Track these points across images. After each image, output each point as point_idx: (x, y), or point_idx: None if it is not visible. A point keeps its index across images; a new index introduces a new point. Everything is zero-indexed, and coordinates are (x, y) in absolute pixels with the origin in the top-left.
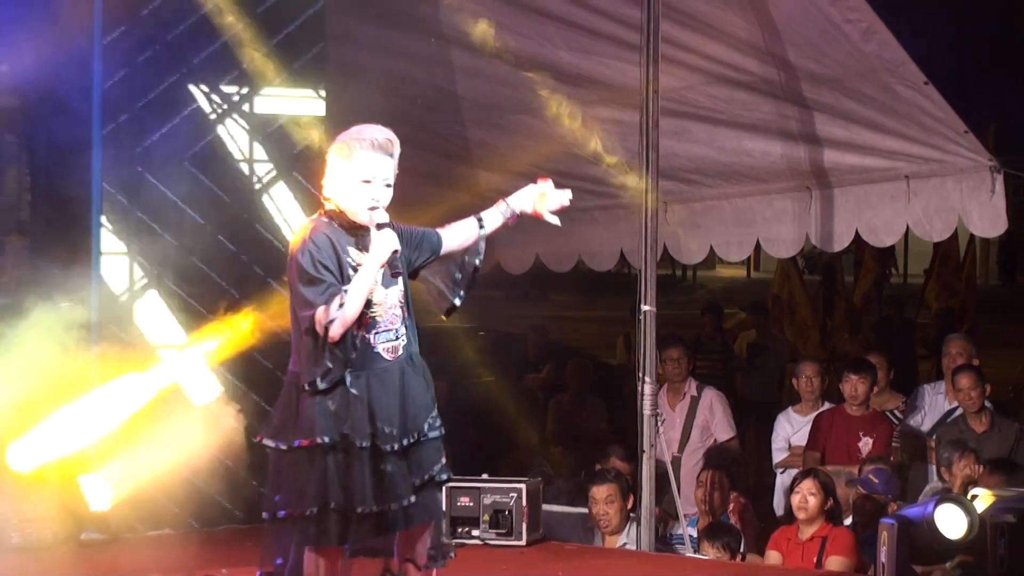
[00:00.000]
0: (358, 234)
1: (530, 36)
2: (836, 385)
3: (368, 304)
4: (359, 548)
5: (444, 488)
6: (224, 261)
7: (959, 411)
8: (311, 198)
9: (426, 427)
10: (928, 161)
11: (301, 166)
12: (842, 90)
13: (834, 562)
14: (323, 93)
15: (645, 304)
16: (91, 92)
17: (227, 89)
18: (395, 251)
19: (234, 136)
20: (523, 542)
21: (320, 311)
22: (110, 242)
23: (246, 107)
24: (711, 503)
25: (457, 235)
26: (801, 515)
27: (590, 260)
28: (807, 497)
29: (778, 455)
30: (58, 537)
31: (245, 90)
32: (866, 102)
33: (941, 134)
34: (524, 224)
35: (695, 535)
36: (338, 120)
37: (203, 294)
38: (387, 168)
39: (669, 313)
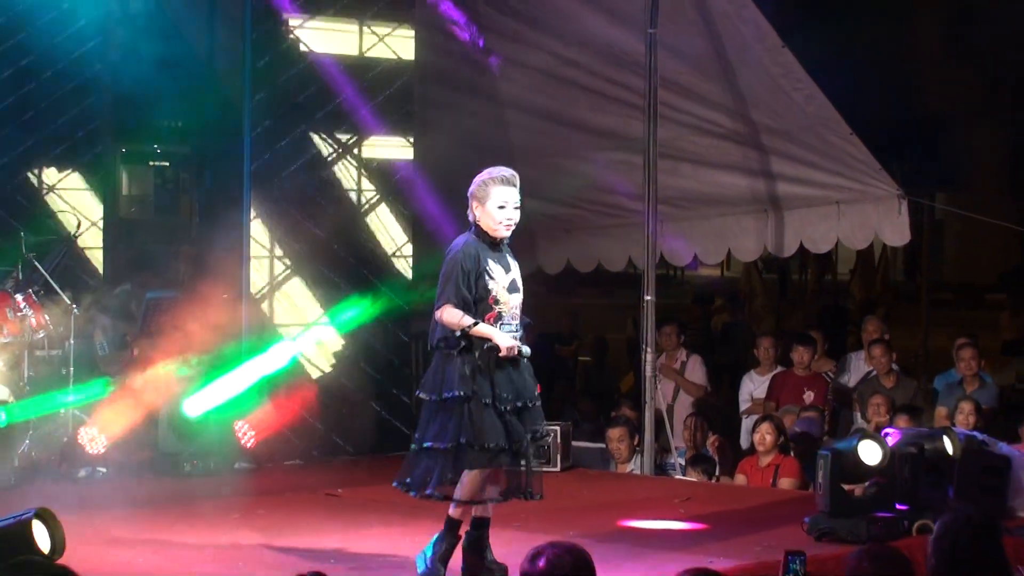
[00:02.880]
0: (497, 247)
1: (563, 99)
2: (787, 353)
3: (496, 302)
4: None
5: None
6: (338, 263)
7: (874, 372)
8: (401, 217)
9: (532, 396)
10: (852, 191)
11: (394, 195)
12: (790, 139)
13: (785, 482)
14: (411, 140)
15: (647, 295)
16: (242, 140)
17: (341, 137)
18: (509, 347)
19: (346, 172)
20: (558, 468)
21: (446, 308)
22: (255, 249)
23: (355, 151)
24: (695, 440)
25: None
26: (760, 448)
27: (607, 263)
28: (765, 435)
29: (743, 405)
30: (219, 466)
31: (355, 138)
32: (808, 148)
33: (862, 171)
34: (558, 235)
35: (683, 463)
36: (422, 160)
37: (321, 288)
38: (515, 195)
39: (665, 302)
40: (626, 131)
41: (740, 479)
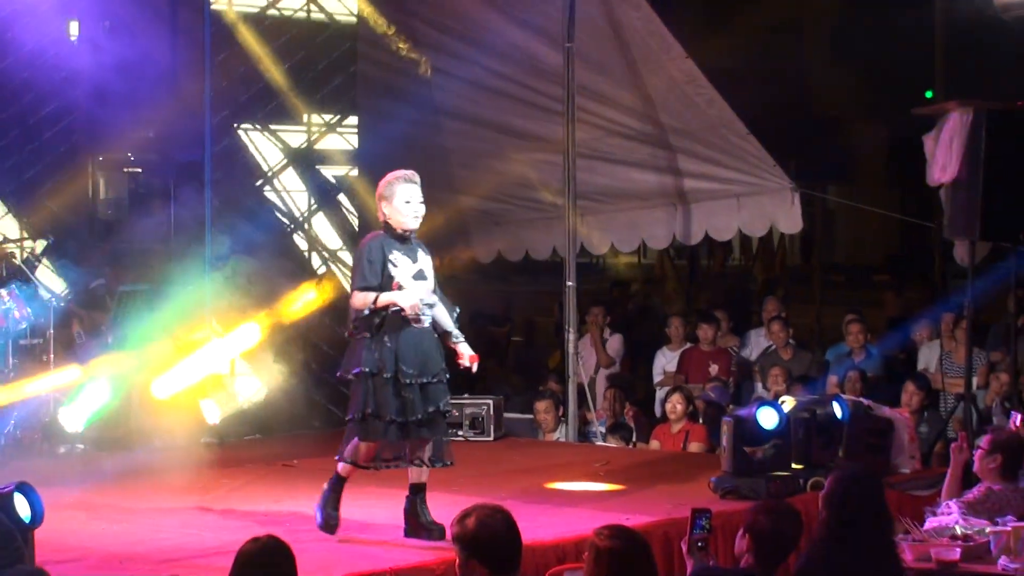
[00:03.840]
0: (405, 240)
1: (491, 106)
2: (695, 331)
3: (400, 288)
4: (391, 451)
5: None
6: (282, 262)
7: (773, 346)
8: (344, 220)
9: (435, 375)
10: (750, 185)
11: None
12: (694, 139)
13: (694, 446)
14: (356, 146)
15: (568, 281)
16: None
17: (291, 143)
18: (411, 306)
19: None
20: (491, 438)
21: (355, 294)
22: (218, 243)
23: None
24: (613, 410)
25: (440, 310)
26: (672, 416)
27: (533, 252)
28: (676, 405)
29: (656, 377)
30: (186, 441)
31: (303, 144)
32: (710, 147)
33: (758, 167)
34: (490, 228)
35: (603, 431)
36: (367, 165)
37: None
38: (418, 191)
39: (587, 287)
40: (548, 134)
41: (654, 444)
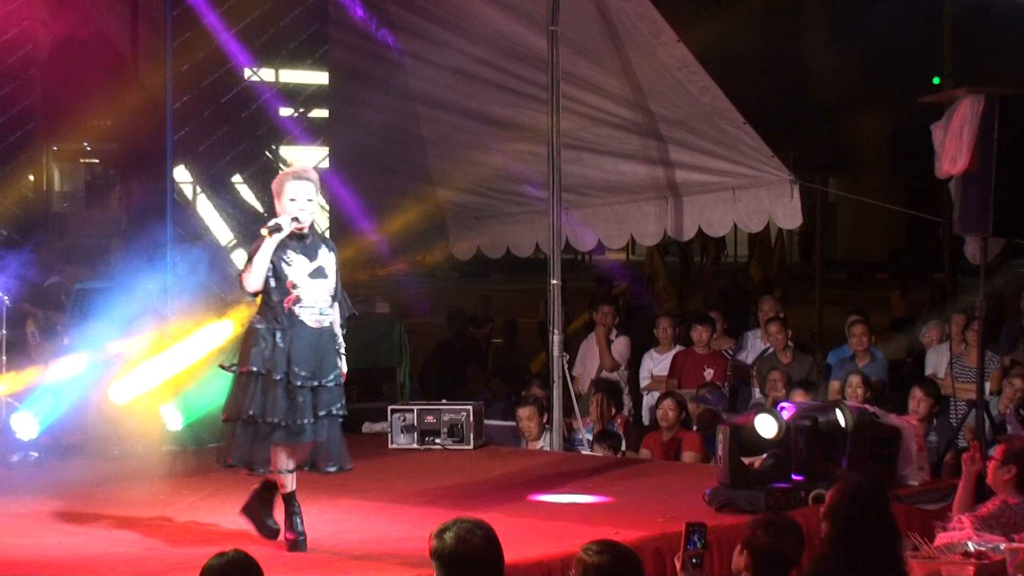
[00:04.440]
0: (302, 238)
1: (470, 94)
2: (688, 333)
3: (294, 287)
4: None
5: (390, 411)
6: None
7: (771, 349)
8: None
9: (331, 377)
10: (747, 177)
11: None
12: (687, 129)
13: (687, 456)
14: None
15: (553, 279)
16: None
17: (256, 130)
18: (276, 225)
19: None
20: (471, 447)
21: (243, 275)
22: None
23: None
24: (601, 417)
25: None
26: (664, 424)
27: (515, 249)
28: (668, 411)
29: (643, 382)
30: (146, 449)
31: (267, 128)
32: (704, 137)
33: (755, 158)
34: (469, 223)
35: (591, 439)
36: (337, 154)
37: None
38: (306, 188)
39: (572, 285)
40: (531, 123)
41: (645, 453)
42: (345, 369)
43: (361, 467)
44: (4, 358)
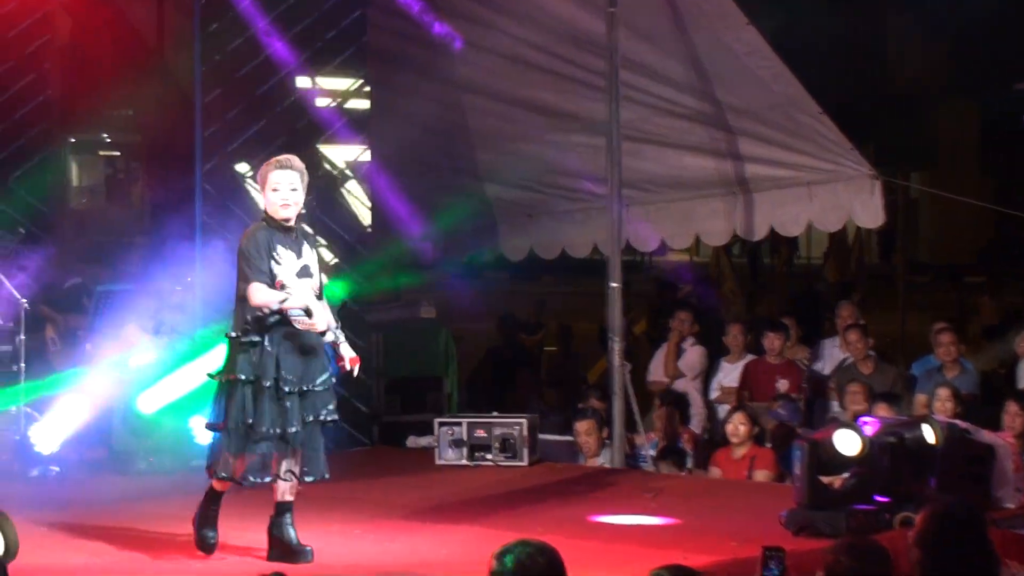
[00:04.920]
0: (288, 232)
1: (522, 81)
2: (758, 340)
3: (283, 287)
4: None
5: (437, 424)
6: None
7: (850, 359)
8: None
9: (319, 381)
10: (824, 172)
11: (349, 182)
12: (758, 119)
13: (760, 475)
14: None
15: (612, 282)
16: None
17: (296, 125)
18: (304, 307)
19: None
20: (525, 463)
21: (253, 285)
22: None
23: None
24: (666, 431)
25: (325, 306)
26: (734, 440)
27: (571, 249)
28: (738, 426)
29: (712, 394)
30: (174, 464)
31: (307, 122)
32: (776, 128)
33: (833, 151)
34: (521, 221)
35: (654, 456)
36: (378, 146)
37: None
38: (290, 177)
39: (632, 288)
40: (588, 113)
41: (714, 471)
42: (352, 353)
43: (407, 484)
44: (23, 365)
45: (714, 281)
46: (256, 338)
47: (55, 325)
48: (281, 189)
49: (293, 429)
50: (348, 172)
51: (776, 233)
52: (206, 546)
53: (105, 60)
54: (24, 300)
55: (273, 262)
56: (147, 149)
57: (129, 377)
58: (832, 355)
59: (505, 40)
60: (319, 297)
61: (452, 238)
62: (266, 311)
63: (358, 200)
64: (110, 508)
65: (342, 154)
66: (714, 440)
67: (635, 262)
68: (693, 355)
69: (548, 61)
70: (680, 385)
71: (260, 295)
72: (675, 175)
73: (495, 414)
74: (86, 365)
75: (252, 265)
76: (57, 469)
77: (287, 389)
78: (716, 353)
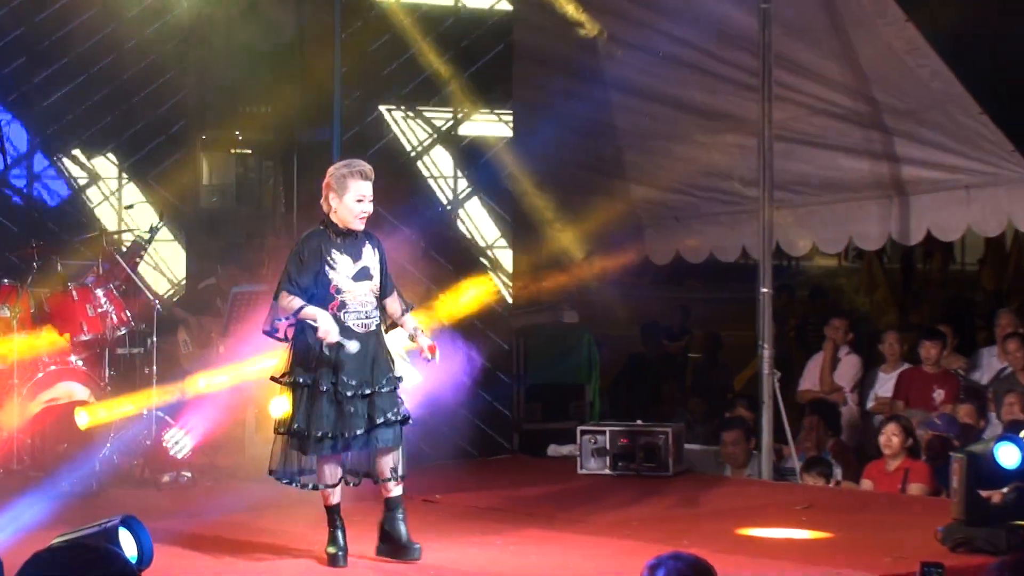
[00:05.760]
0: (348, 236)
1: (671, 79)
2: (913, 349)
3: (338, 291)
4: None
5: (579, 433)
6: (426, 259)
7: (1009, 369)
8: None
9: (384, 382)
10: (983, 174)
11: (489, 183)
12: (915, 119)
13: (915, 488)
14: (509, 124)
15: (763, 287)
16: (331, 127)
17: (435, 120)
18: (324, 332)
19: (438, 158)
20: (670, 473)
21: (282, 295)
22: None
23: (449, 134)
24: (814, 441)
25: (393, 302)
26: (887, 451)
27: (719, 253)
28: (891, 437)
29: (867, 404)
30: None
31: (449, 122)
32: (934, 129)
33: (994, 153)
34: (668, 223)
35: (800, 467)
36: (520, 145)
37: (409, 286)
38: (370, 189)
39: (783, 295)
40: (739, 112)
41: (866, 484)
42: (429, 342)
43: (548, 494)
44: (155, 368)
45: (865, 288)
46: (305, 335)
47: (188, 328)
48: (364, 201)
49: (358, 432)
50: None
51: (931, 238)
52: (335, 561)
53: (241, 56)
54: (156, 301)
55: (327, 268)
56: (281, 148)
57: (263, 381)
58: (990, 364)
59: (653, 36)
60: (380, 298)
61: (594, 240)
62: (288, 318)
63: (479, 209)
64: (242, 517)
65: (471, 161)
66: (866, 452)
67: (780, 267)
68: (849, 365)
69: (699, 59)
70: (834, 394)
71: (283, 302)
72: (828, 177)
73: (639, 422)
74: (219, 368)
75: (285, 273)
76: (189, 476)
77: (348, 394)
78: (869, 362)
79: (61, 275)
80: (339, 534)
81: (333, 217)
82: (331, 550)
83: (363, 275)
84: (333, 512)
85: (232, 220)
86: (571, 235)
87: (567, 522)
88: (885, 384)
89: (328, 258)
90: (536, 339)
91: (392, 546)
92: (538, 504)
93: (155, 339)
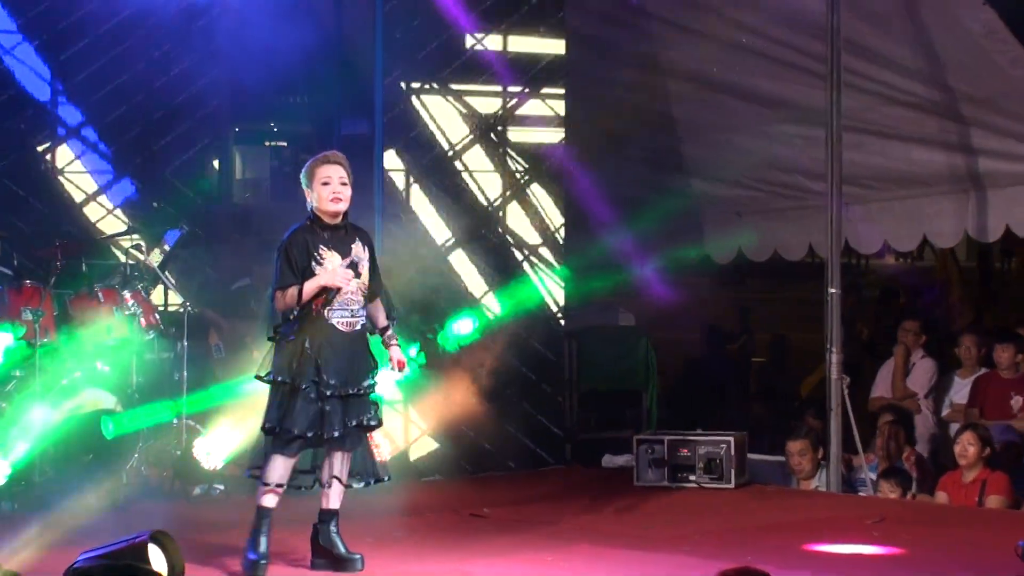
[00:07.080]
0: (335, 231)
1: (733, 67)
2: (990, 352)
3: (325, 289)
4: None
5: (636, 442)
6: (481, 251)
7: None
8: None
9: (364, 384)
10: None
11: (543, 175)
12: (994, 109)
13: (993, 500)
14: (562, 115)
15: (831, 287)
16: (373, 118)
17: (483, 111)
18: (338, 288)
19: (489, 150)
20: (732, 485)
21: (277, 295)
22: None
23: (499, 126)
24: (888, 450)
25: (377, 307)
26: (963, 462)
27: (783, 251)
28: (967, 447)
29: (942, 411)
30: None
31: (499, 112)
32: (1015, 119)
33: None
34: (729, 219)
35: (874, 478)
36: (574, 137)
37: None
38: (338, 171)
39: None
40: (806, 101)
41: (941, 496)
42: (401, 356)
43: (602, 507)
44: (185, 374)
45: (940, 287)
46: (288, 332)
47: (219, 331)
48: (332, 183)
49: (336, 433)
50: (536, 167)
51: (1010, 235)
52: (255, 570)
53: (279, 42)
54: (187, 304)
55: (314, 263)
56: (317, 139)
57: None
58: None
59: (714, 21)
60: (369, 298)
61: (653, 238)
62: (293, 313)
63: (548, 197)
64: (279, 533)
65: (524, 153)
66: (942, 462)
67: (848, 264)
68: (922, 370)
69: (762, 45)
70: (907, 401)
71: (279, 302)
72: (901, 170)
73: (699, 431)
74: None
75: (278, 273)
76: (222, 487)
77: (328, 393)
78: (944, 367)
79: (86, 276)
80: (263, 540)
81: (316, 212)
82: (252, 557)
83: (351, 269)
84: (264, 515)
85: (266, 216)
86: (627, 232)
87: (623, 537)
88: (961, 390)
89: (316, 253)
90: (590, 342)
91: (330, 560)
92: (591, 518)
93: (185, 343)
